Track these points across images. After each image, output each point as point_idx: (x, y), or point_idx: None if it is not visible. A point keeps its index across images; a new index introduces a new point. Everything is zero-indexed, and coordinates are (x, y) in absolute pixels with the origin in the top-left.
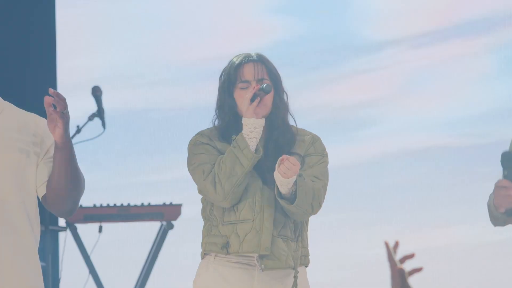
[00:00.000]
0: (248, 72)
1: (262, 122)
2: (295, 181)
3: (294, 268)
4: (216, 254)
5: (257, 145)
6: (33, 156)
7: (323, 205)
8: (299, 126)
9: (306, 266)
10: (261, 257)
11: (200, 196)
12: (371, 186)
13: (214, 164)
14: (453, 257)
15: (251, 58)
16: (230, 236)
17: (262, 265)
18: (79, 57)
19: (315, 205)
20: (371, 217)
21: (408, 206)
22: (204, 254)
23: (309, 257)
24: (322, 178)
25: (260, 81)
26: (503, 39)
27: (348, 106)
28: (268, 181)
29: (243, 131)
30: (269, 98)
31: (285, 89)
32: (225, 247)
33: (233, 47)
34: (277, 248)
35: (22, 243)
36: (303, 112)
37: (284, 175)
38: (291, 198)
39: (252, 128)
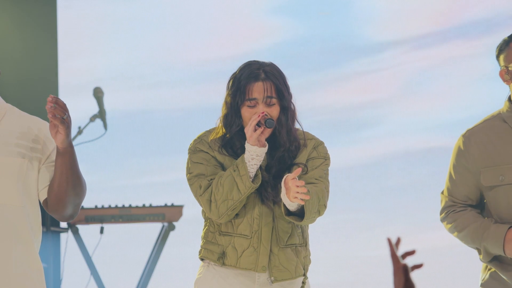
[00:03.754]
0: (257, 90)
1: (264, 150)
2: None
3: (304, 275)
4: (215, 264)
5: (257, 171)
6: (35, 161)
7: None
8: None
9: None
10: (270, 268)
11: None
12: (372, 187)
13: (211, 178)
14: (453, 258)
15: (261, 76)
16: (227, 248)
17: (272, 277)
18: (81, 59)
19: (321, 209)
20: (373, 218)
21: (410, 207)
22: (201, 259)
23: (310, 256)
24: (323, 180)
25: (268, 98)
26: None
27: (350, 107)
28: (266, 199)
29: (245, 156)
30: (275, 113)
31: (293, 101)
32: (221, 258)
33: (234, 48)
34: (286, 259)
35: (23, 246)
36: (304, 113)
37: (295, 200)
38: (299, 212)
39: (254, 156)
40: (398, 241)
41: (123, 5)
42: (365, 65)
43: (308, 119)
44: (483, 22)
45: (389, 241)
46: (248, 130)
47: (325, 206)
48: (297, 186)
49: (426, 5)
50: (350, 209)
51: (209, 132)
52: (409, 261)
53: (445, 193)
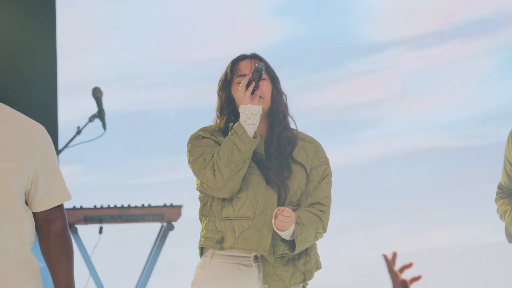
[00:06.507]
0: (244, 66)
1: (259, 108)
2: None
3: (304, 281)
4: (213, 252)
5: (255, 132)
6: (27, 166)
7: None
8: (300, 127)
9: (319, 269)
10: (264, 276)
11: (199, 195)
12: (371, 187)
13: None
14: (453, 258)
15: (247, 55)
16: (226, 232)
17: (266, 285)
18: (80, 58)
19: (319, 234)
20: (372, 218)
21: (409, 207)
22: (201, 250)
23: (316, 261)
24: (328, 200)
25: None
26: (503, 40)
27: (349, 107)
28: (272, 182)
29: (240, 119)
30: (267, 90)
31: (283, 91)
32: (220, 242)
33: (233, 49)
34: (281, 268)
35: (18, 248)
36: (304, 113)
37: (282, 229)
38: (293, 243)
39: (250, 115)
40: (394, 255)
41: (122, 5)
42: (364, 65)
43: (307, 119)
44: (483, 22)
45: (385, 257)
46: (240, 91)
47: (324, 229)
48: (281, 215)
49: (425, 5)
50: (349, 209)
51: (210, 126)
52: (407, 274)
53: (500, 181)
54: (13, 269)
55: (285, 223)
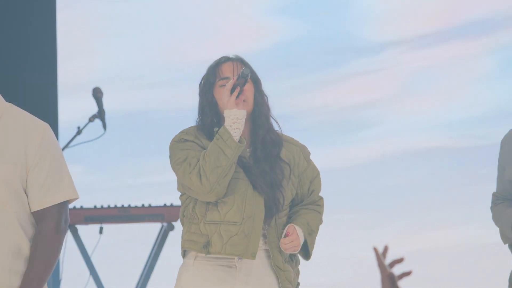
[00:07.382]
0: (227, 69)
1: (244, 113)
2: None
3: (297, 281)
4: (196, 255)
5: (240, 136)
6: (15, 167)
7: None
8: (300, 127)
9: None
10: (281, 281)
11: (180, 196)
12: (371, 187)
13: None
14: (453, 258)
15: (229, 57)
16: (212, 236)
17: None
18: (80, 59)
19: (320, 224)
20: (372, 218)
21: (409, 207)
22: (183, 252)
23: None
24: (320, 194)
25: None
26: (503, 40)
27: (349, 107)
28: (259, 187)
29: (225, 123)
30: (250, 93)
31: (265, 93)
32: (206, 247)
33: (233, 49)
34: (288, 273)
35: (18, 250)
36: (304, 113)
37: (294, 251)
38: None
39: (235, 119)
40: (386, 249)
41: (123, 5)
42: (364, 65)
43: (307, 119)
44: (482, 22)
45: (376, 250)
46: (225, 96)
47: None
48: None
49: (425, 5)
50: (349, 209)
51: (192, 128)
52: (398, 269)
53: (495, 190)
54: (17, 274)
55: (295, 247)
